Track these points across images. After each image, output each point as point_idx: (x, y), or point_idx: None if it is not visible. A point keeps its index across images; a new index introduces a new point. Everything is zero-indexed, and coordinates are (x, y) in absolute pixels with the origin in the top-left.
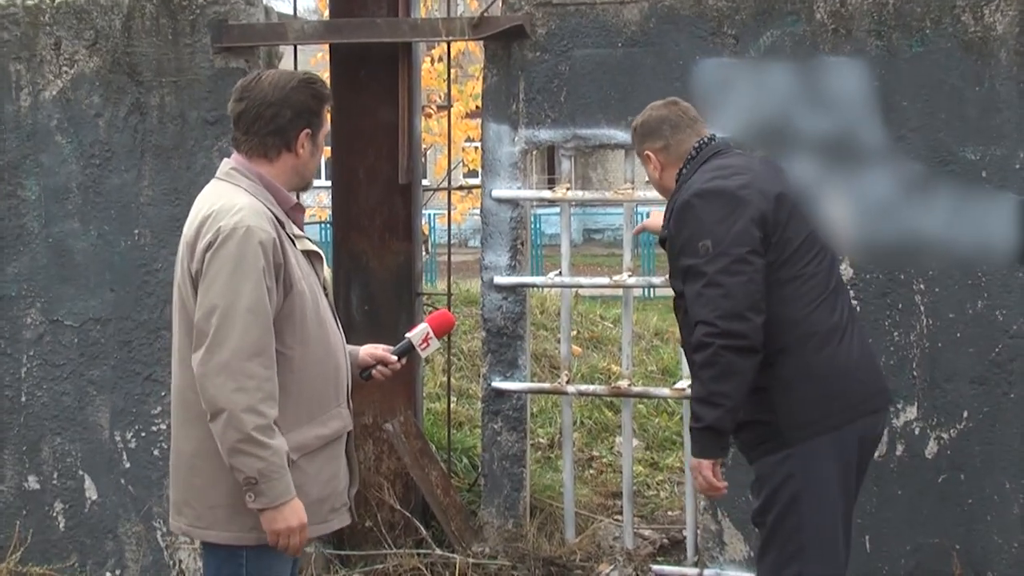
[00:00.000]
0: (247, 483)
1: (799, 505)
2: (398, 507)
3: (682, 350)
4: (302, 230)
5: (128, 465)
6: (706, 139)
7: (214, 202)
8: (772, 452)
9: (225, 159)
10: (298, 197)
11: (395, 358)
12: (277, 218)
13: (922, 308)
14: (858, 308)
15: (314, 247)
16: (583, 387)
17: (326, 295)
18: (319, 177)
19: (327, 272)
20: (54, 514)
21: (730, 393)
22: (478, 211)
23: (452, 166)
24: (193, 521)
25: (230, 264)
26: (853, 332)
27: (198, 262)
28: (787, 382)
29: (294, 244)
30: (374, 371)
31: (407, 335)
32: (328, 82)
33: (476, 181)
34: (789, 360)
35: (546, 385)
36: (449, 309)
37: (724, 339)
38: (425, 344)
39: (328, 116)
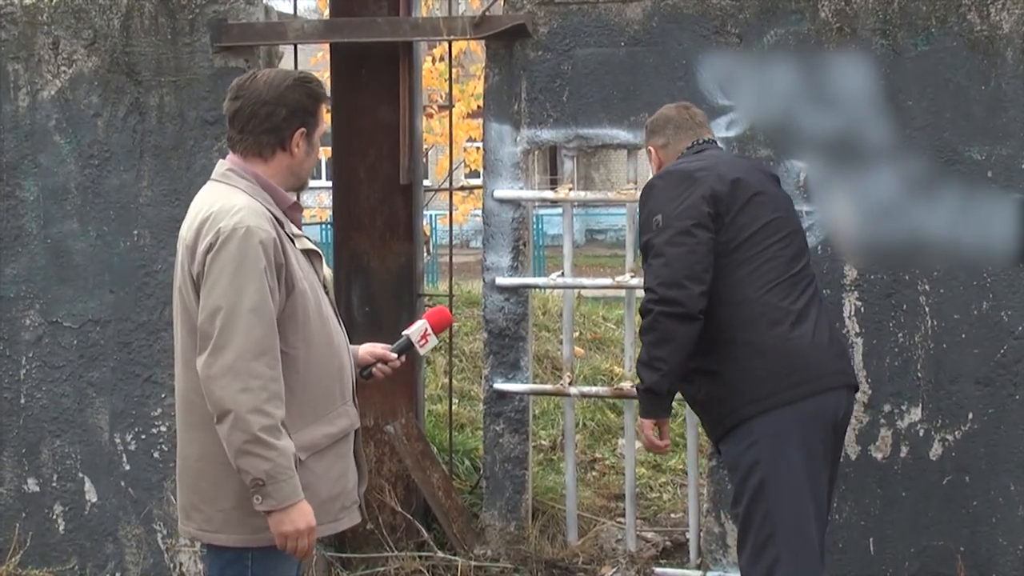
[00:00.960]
0: (254, 485)
1: (766, 492)
2: (399, 509)
3: None
4: (300, 229)
5: (128, 467)
6: (700, 140)
7: (212, 204)
8: (730, 431)
9: (220, 160)
10: (297, 197)
11: (395, 356)
12: (276, 218)
13: (927, 309)
14: (862, 309)
15: (313, 246)
16: (585, 389)
17: (327, 293)
18: (319, 177)
19: (327, 271)
20: (54, 516)
21: (666, 358)
22: (480, 212)
23: (454, 166)
24: (202, 525)
25: (231, 265)
26: (812, 318)
27: (199, 264)
28: (738, 360)
29: (293, 243)
30: (374, 369)
31: (405, 332)
32: (328, 81)
33: (478, 181)
34: (740, 340)
35: (548, 387)
36: (451, 310)
37: (662, 306)
38: (424, 341)
39: (325, 115)
